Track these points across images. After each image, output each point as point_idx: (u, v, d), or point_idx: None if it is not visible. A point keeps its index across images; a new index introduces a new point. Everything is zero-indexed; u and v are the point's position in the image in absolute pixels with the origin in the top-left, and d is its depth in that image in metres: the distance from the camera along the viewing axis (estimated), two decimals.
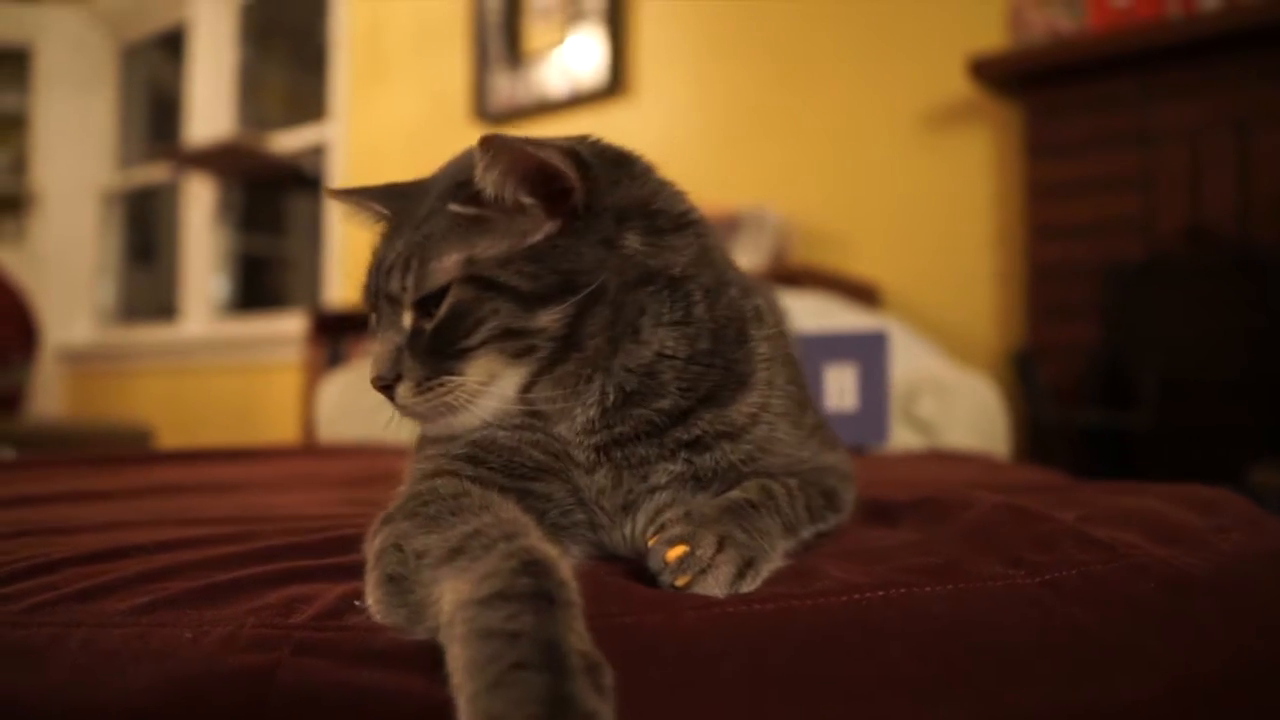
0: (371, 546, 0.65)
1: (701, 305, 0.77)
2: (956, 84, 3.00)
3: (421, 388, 0.73)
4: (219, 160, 5.03)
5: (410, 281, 0.73)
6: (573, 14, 3.99)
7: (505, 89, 4.19)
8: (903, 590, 0.57)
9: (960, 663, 0.53)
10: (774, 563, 0.65)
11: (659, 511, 0.73)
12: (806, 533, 0.75)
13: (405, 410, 0.75)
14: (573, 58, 3.99)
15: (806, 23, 3.40)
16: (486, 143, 0.70)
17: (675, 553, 0.62)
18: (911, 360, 2.29)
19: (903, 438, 2.03)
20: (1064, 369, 2.71)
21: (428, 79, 4.51)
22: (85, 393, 5.83)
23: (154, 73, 6.18)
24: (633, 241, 0.76)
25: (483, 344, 0.72)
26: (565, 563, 0.56)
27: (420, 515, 0.65)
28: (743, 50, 3.57)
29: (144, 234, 6.28)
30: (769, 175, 3.51)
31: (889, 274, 3.13)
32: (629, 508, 0.75)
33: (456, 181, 0.76)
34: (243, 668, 0.53)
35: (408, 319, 0.74)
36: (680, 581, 0.61)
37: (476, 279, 0.71)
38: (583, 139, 0.81)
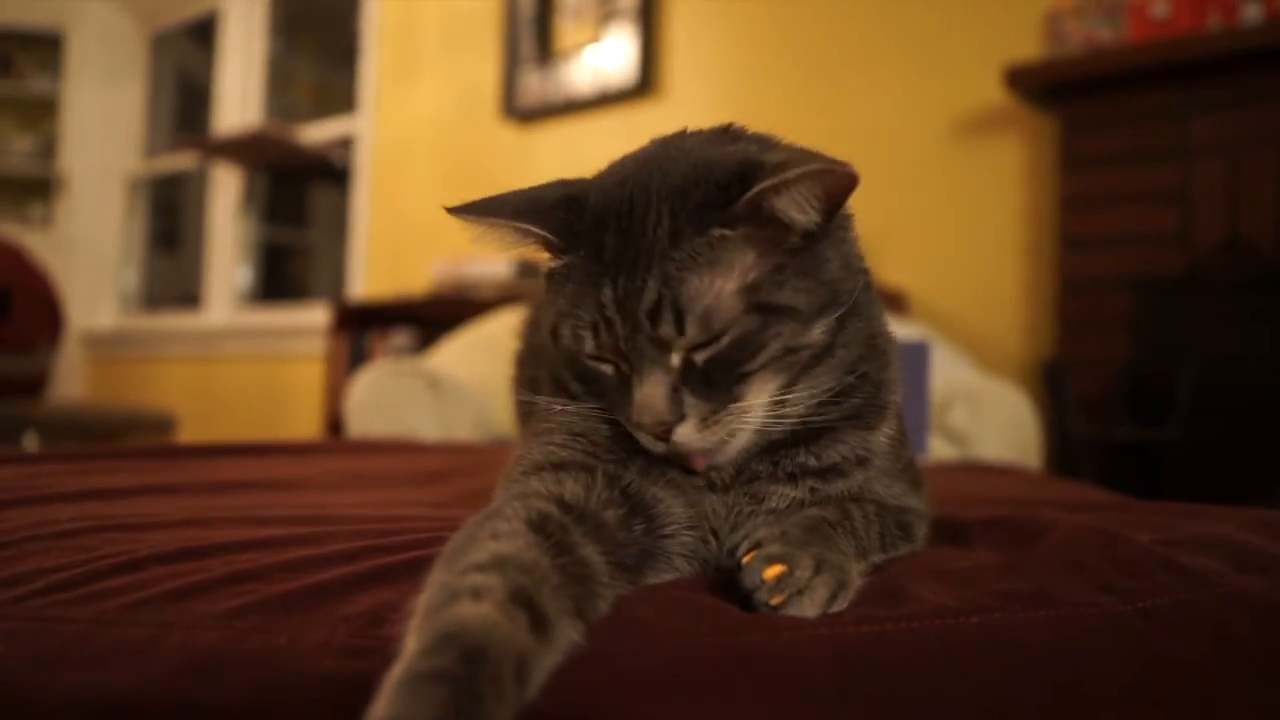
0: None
1: (864, 325, 0.77)
2: (991, 93, 2.99)
3: (707, 423, 0.70)
4: (247, 150, 5.05)
5: (690, 326, 0.68)
6: (605, 13, 3.99)
7: (535, 87, 4.19)
8: (996, 616, 0.57)
9: (1058, 693, 0.53)
10: (857, 584, 0.65)
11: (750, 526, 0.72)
12: (876, 558, 0.74)
13: (683, 446, 0.70)
14: (603, 57, 3.99)
15: (839, 27, 3.39)
16: (789, 159, 0.66)
17: (773, 572, 0.62)
18: (943, 369, 2.28)
19: (935, 448, 2.03)
20: (1093, 382, 2.70)
21: (457, 75, 4.52)
22: (108, 379, 5.87)
23: (183, 61, 6.21)
24: (853, 244, 0.76)
25: (763, 366, 0.70)
26: (502, 626, 0.50)
27: (447, 551, 0.62)
28: (774, 54, 3.56)
29: (168, 221, 6.31)
30: None
31: (917, 281, 3.12)
32: (735, 526, 0.75)
33: (700, 202, 0.69)
34: (339, 675, 0.53)
35: (677, 358, 0.69)
36: (775, 600, 0.61)
37: (760, 306, 0.69)
38: (772, 141, 0.79)
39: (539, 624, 0.52)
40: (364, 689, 0.52)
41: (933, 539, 0.83)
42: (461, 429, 2.31)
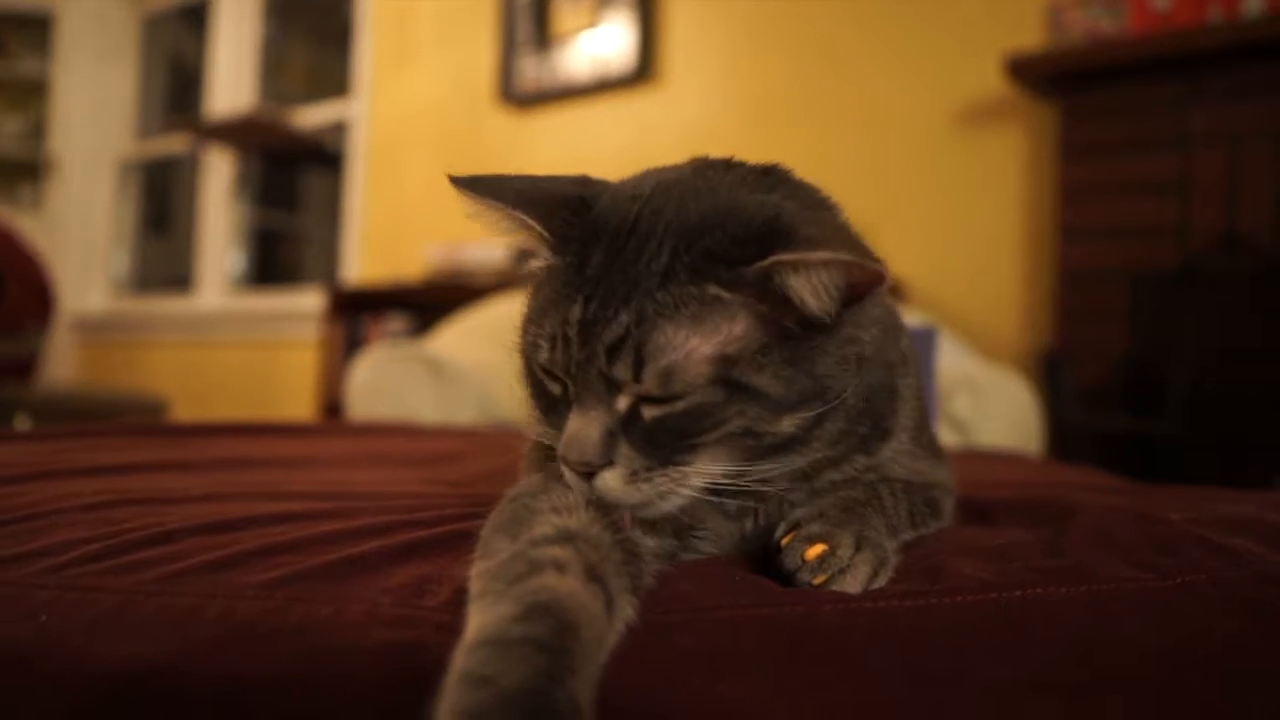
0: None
1: (877, 373, 0.73)
2: (992, 82, 3.00)
3: (638, 478, 0.64)
4: (240, 133, 5.02)
5: (648, 377, 0.62)
6: None
7: (531, 72, 4.18)
8: (1039, 591, 0.57)
9: (1103, 667, 0.53)
10: (894, 561, 0.65)
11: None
12: (907, 535, 0.74)
13: (606, 496, 0.64)
14: (602, 43, 3.98)
15: (840, 14, 3.38)
16: (820, 237, 0.61)
17: (815, 551, 0.62)
18: (944, 358, 2.29)
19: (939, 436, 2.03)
20: (1091, 372, 2.71)
21: (453, 60, 4.49)
22: (97, 362, 5.83)
23: (175, 44, 6.16)
24: (869, 334, 0.70)
25: (715, 443, 0.64)
26: (592, 603, 0.52)
27: (498, 520, 0.64)
28: (774, 40, 3.56)
29: (159, 205, 6.27)
30: (797, 167, 3.48)
31: (916, 270, 3.12)
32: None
33: (707, 250, 0.63)
34: (388, 644, 0.53)
35: (624, 403, 0.64)
36: (818, 580, 0.61)
37: (730, 381, 0.62)
38: (816, 197, 0.74)
39: (609, 602, 0.53)
40: (413, 658, 0.52)
41: (957, 519, 0.83)
42: (463, 413, 2.31)
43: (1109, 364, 2.68)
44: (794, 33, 3.50)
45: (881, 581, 0.62)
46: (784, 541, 0.65)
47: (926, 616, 0.56)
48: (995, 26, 3.03)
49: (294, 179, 5.92)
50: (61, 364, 5.67)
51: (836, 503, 0.69)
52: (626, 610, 0.55)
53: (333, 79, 5.16)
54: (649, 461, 0.64)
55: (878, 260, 0.60)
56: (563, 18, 4.11)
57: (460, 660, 0.47)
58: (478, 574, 0.56)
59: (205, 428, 1.41)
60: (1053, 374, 2.75)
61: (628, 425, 0.64)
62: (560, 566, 0.53)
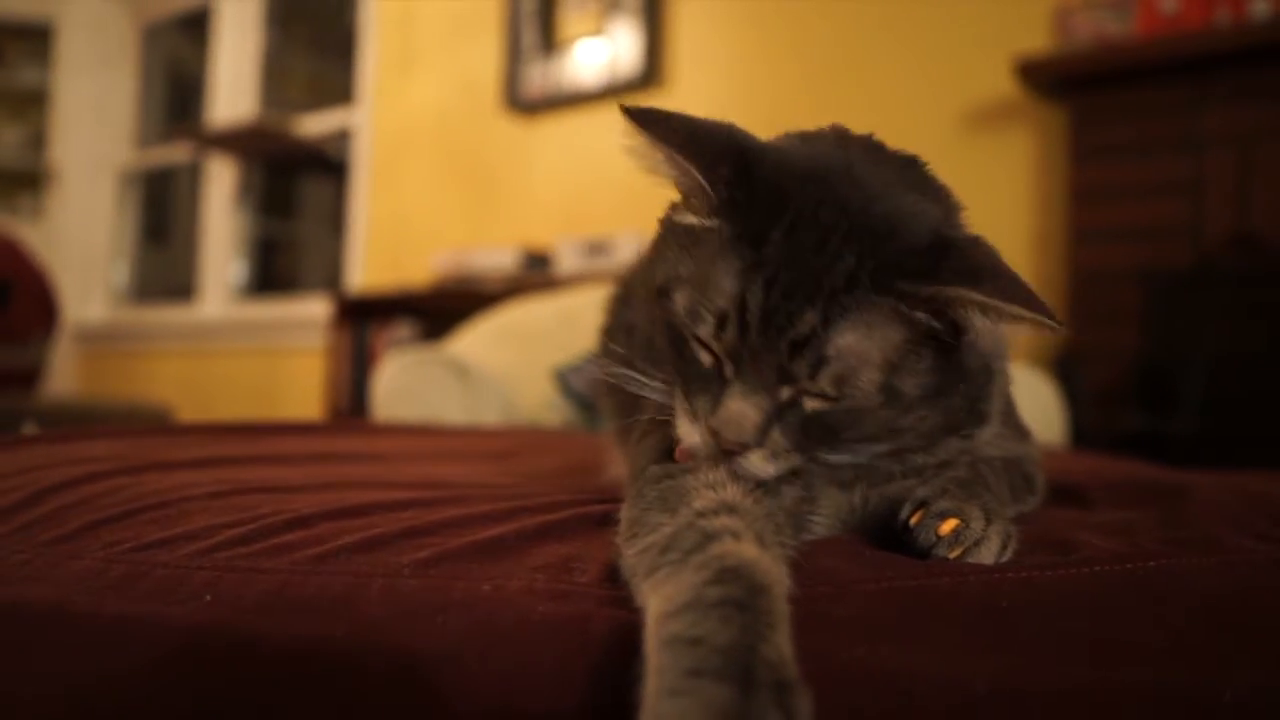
0: (619, 530, 0.64)
1: (977, 358, 0.72)
2: (1001, 84, 3.03)
3: (779, 459, 0.66)
4: (243, 142, 5.02)
5: (824, 378, 0.64)
6: (609, 4, 3.99)
7: (537, 78, 4.19)
8: (1171, 561, 0.59)
9: (1234, 632, 0.55)
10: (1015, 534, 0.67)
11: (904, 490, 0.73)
12: (1010, 511, 0.76)
13: (743, 469, 0.66)
14: (608, 48, 4.00)
15: (848, 17, 3.41)
16: (1010, 295, 0.61)
17: (950, 525, 0.64)
18: None
19: None
20: (1105, 373, 2.74)
21: (458, 66, 4.51)
22: (99, 372, 5.81)
23: (175, 53, 6.16)
24: (991, 345, 0.71)
25: (859, 439, 0.67)
26: (773, 567, 0.54)
27: (646, 499, 0.65)
28: (783, 45, 3.58)
29: (159, 214, 6.26)
30: None
31: None
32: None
33: (892, 262, 0.64)
34: (556, 617, 0.54)
35: (788, 393, 0.65)
36: (954, 553, 0.63)
37: (887, 387, 0.65)
38: (953, 200, 0.75)
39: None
40: (580, 629, 0.54)
41: (1051, 502, 0.85)
42: (487, 415, 2.32)
43: (1123, 365, 2.71)
44: (803, 36, 3.53)
45: (1009, 554, 0.64)
46: (913, 520, 0.66)
47: (1068, 585, 0.58)
48: (1004, 29, 3.06)
49: (295, 187, 5.92)
50: (62, 374, 5.64)
51: (954, 480, 0.71)
52: (785, 579, 0.56)
53: (333, 87, 5.17)
54: (792, 448, 0.66)
55: (1056, 318, 0.61)
56: (568, 23, 4.13)
57: (663, 626, 0.48)
58: (642, 549, 0.57)
59: (271, 426, 1.42)
60: (1067, 375, 2.78)
61: (784, 413, 0.66)
62: (736, 535, 0.55)
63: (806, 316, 0.63)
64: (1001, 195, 3.07)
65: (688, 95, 3.79)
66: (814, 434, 0.66)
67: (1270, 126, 2.57)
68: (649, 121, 0.69)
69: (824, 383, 0.64)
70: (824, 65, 3.47)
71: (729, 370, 0.67)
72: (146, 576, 0.62)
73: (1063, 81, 2.88)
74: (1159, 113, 2.73)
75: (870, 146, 0.76)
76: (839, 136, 0.76)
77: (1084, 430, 2.69)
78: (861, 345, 0.64)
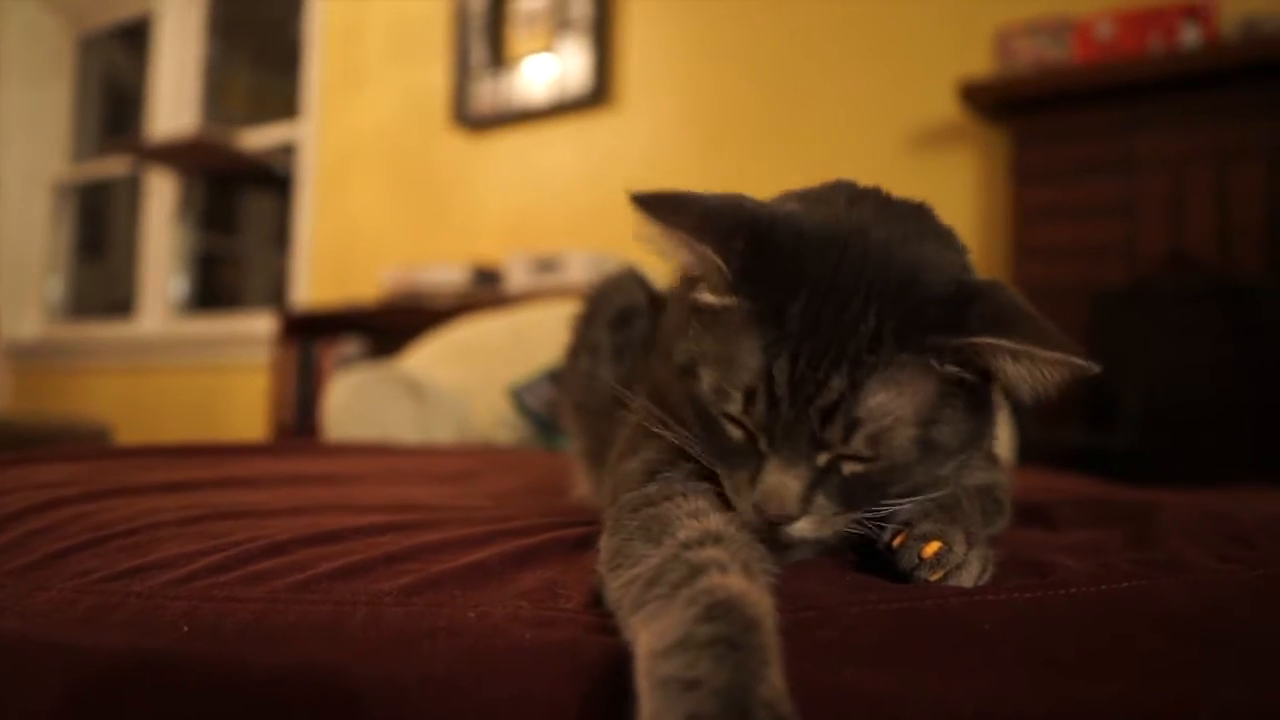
0: (600, 559, 0.64)
1: None
2: (945, 107, 3.09)
3: (828, 523, 0.67)
4: (184, 155, 4.93)
5: (857, 440, 0.64)
6: (558, 21, 4.00)
7: (487, 95, 4.18)
8: (1144, 582, 0.61)
9: (1212, 652, 0.57)
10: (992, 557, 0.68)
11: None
12: (983, 534, 0.78)
13: (790, 538, 0.67)
14: (557, 66, 4.01)
15: (796, 39, 3.46)
16: (1043, 340, 0.62)
17: (932, 548, 0.65)
18: None
19: None
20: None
21: (405, 81, 4.48)
22: (33, 390, 5.65)
23: (112, 64, 6.04)
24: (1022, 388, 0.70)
25: (899, 493, 0.68)
26: (762, 598, 0.53)
27: (628, 528, 0.64)
28: (731, 64, 3.62)
29: (95, 228, 6.12)
30: (754, 190, 3.52)
31: None
32: None
33: (915, 316, 0.64)
34: (544, 644, 0.54)
35: (825, 459, 0.66)
36: (935, 577, 0.64)
37: (922, 441, 0.66)
38: (959, 242, 0.77)
39: None
40: (570, 656, 0.54)
41: (1016, 521, 0.87)
42: (441, 433, 2.30)
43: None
44: (751, 57, 3.57)
45: (988, 576, 0.65)
46: (897, 542, 0.67)
47: (1047, 607, 0.59)
48: (947, 52, 3.13)
49: (238, 201, 5.83)
50: None
51: (934, 503, 0.72)
52: (774, 609, 0.56)
53: (277, 101, 5.11)
54: (836, 511, 0.67)
55: (1087, 358, 0.62)
56: (517, 40, 4.14)
57: (655, 665, 0.48)
58: (627, 581, 0.57)
59: (231, 447, 1.40)
60: (1009, 393, 2.83)
61: (824, 478, 0.66)
62: (723, 567, 0.55)
63: (834, 383, 0.63)
64: (947, 214, 3.06)
65: (637, 114, 3.81)
66: (857, 494, 0.67)
67: (1200, 150, 2.66)
68: (661, 208, 0.68)
69: (858, 445, 0.65)
70: (772, 85, 3.51)
71: (764, 444, 0.67)
72: (119, 607, 0.61)
73: (1004, 104, 2.95)
74: (1096, 136, 2.81)
75: (880, 200, 0.76)
76: (848, 192, 0.76)
77: (1027, 446, 2.75)
78: (893, 404, 0.64)
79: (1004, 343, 0.62)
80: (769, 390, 0.65)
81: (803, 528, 0.66)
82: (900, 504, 0.68)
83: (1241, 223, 2.61)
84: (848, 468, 0.66)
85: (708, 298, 0.70)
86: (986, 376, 0.67)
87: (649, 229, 0.69)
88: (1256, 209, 2.58)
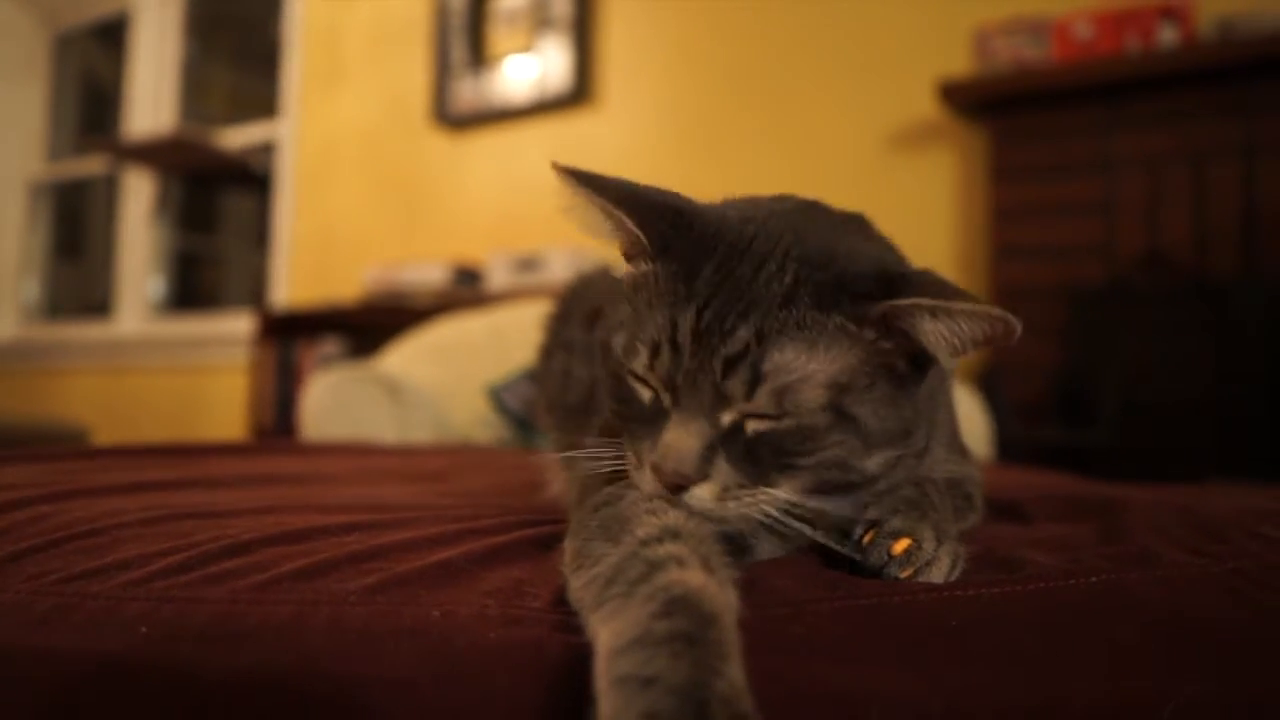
0: (564, 559, 0.63)
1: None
2: (924, 106, 3.10)
3: (728, 494, 0.64)
4: (163, 154, 4.88)
5: (762, 395, 0.63)
6: (539, 20, 3.99)
7: (467, 94, 4.17)
8: (1113, 576, 0.61)
9: (1180, 646, 0.57)
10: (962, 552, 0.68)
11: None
12: (953, 530, 0.77)
13: (692, 508, 0.64)
14: (538, 65, 4.00)
15: (776, 38, 3.46)
16: (955, 294, 0.62)
17: (902, 545, 0.64)
18: None
19: None
20: (1027, 386, 2.81)
21: (385, 80, 4.46)
22: (9, 391, 5.59)
23: (89, 62, 5.98)
24: (937, 388, 0.72)
25: (811, 467, 0.65)
26: (720, 593, 0.53)
27: (589, 528, 0.63)
28: (711, 64, 3.62)
29: (72, 228, 6.06)
30: (734, 188, 3.51)
31: None
32: None
33: (835, 280, 0.65)
34: (509, 643, 0.54)
35: (729, 418, 0.64)
36: (905, 574, 0.63)
37: (838, 409, 0.64)
38: (899, 252, 0.75)
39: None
40: (535, 656, 0.53)
41: (989, 516, 0.87)
42: (419, 433, 2.29)
43: (1044, 378, 2.79)
44: (731, 56, 3.57)
45: (958, 572, 0.65)
46: (866, 540, 0.67)
47: (1017, 602, 0.59)
48: (926, 52, 3.14)
49: (217, 200, 5.79)
50: None
51: (904, 499, 0.71)
52: (735, 602, 0.56)
53: (256, 100, 5.07)
54: (742, 479, 0.64)
55: (1006, 313, 0.62)
56: (498, 39, 4.12)
57: (612, 664, 0.47)
58: (587, 582, 0.56)
59: (198, 448, 1.38)
60: (990, 389, 2.84)
61: (728, 440, 0.65)
62: (681, 562, 0.54)
63: (739, 333, 0.63)
64: (926, 214, 3.14)
65: (617, 113, 3.81)
66: (761, 458, 0.64)
67: (1177, 150, 2.67)
68: (585, 180, 0.71)
69: (762, 400, 0.63)
70: (752, 84, 3.51)
71: (666, 401, 0.66)
72: (77, 609, 0.60)
73: (983, 103, 2.96)
74: (1074, 135, 2.83)
75: (811, 203, 0.77)
76: (780, 195, 0.78)
77: (1007, 443, 2.76)
78: (803, 362, 0.63)
79: (921, 300, 0.62)
80: (672, 339, 0.65)
81: (703, 496, 0.64)
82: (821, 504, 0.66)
83: (1217, 222, 2.62)
84: (752, 426, 0.64)
85: (629, 269, 0.73)
86: (918, 365, 0.67)
87: (572, 199, 0.71)
88: (1232, 208, 2.60)
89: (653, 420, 0.67)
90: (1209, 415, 2.51)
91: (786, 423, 0.64)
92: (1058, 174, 2.85)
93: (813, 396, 0.64)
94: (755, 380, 0.63)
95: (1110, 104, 2.77)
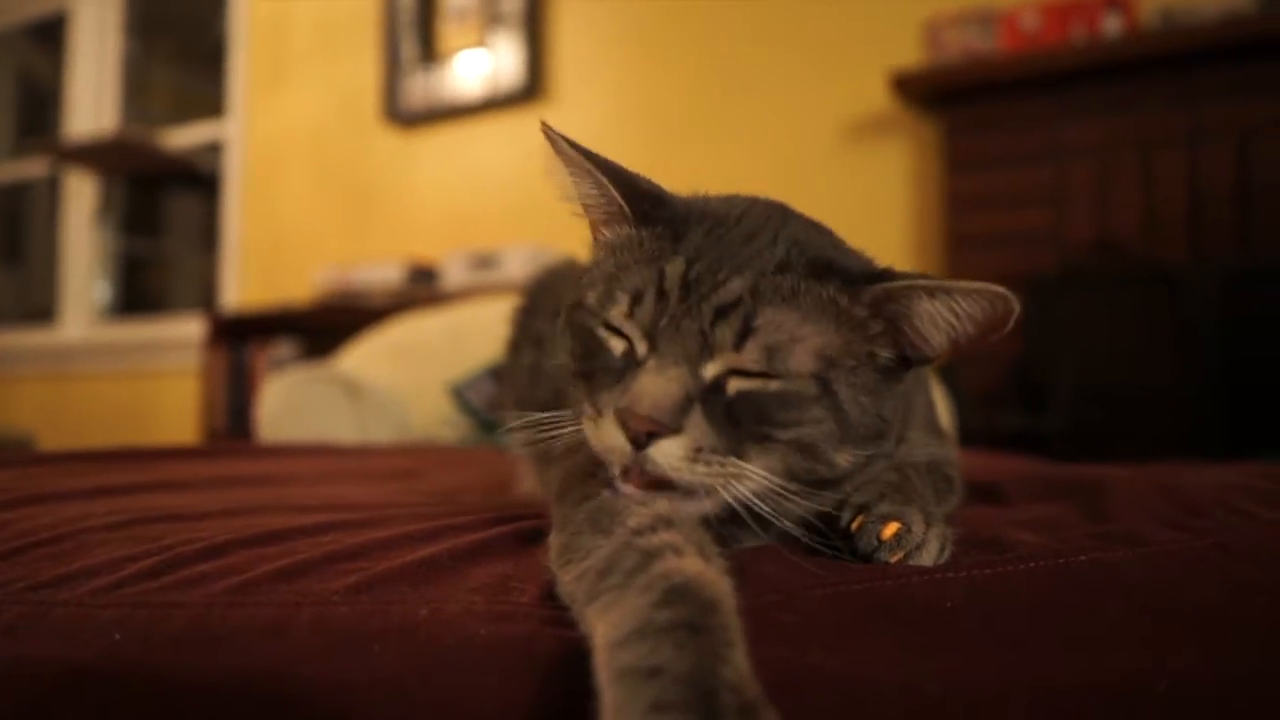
0: (550, 556, 0.62)
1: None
2: (877, 98, 3.12)
3: (699, 457, 0.61)
4: (105, 156, 4.78)
5: (751, 348, 0.61)
6: (490, 15, 3.96)
7: (418, 90, 4.13)
8: (1099, 555, 0.61)
9: (1171, 622, 0.57)
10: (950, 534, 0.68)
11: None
12: (938, 513, 0.77)
13: (652, 470, 0.61)
14: (490, 60, 3.96)
15: (729, 31, 3.47)
16: (946, 279, 0.62)
17: (891, 530, 0.64)
18: None
19: None
20: (985, 374, 2.84)
21: (334, 78, 4.40)
22: None
23: (26, 62, 5.83)
24: (918, 396, 0.72)
25: (787, 442, 0.63)
26: (719, 579, 0.52)
27: (575, 522, 0.62)
28: (664, 58, 3.62)
29: (12, 232, 5.90)
30: (689, 182, 3.50)
31: None
32: None
33: (829, 258, 0.65)
34: (499, 639, 0.52)
35: (713, 370, 0.62)
36: (894, 558, 0.63)
37: (823, 380, 0.63)
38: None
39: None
40: (527, 651, 0.52)
41: (969, 499, 0.87)
42: (380, 433, 2.26)
43: (1001, 366, 2.82)
44: (684, 49, 3.56)
45: (947, 554, 0.64)
46: (855, 525, 0.66)
47: (1008, 582, 0.59)
48: (877, 44, 3.16)
49: (162, 202, 5.67)
50: None
51: (889, 484, 0.71)
52: (732, 590, 0.55)
53: (200, 100, 4.98)
54: (715, 442, 0.61)
55: (1004, 289, 0.62)
56: (448, 35, 4.08)
57: (614, 656, 0.46)
58: (578, 575, 0.55)
59: (158, 451, 1.35)
60: (949, 376, 2.87)
61: (708, 398, 0.62)
62: (677, 550, 0.53)
63: (732, 284, 0.62)
64: (881, 204, 3.16)
65: (570, 108, 3.79)
66: (740, 419, 0.62)
67: (1124, 138, 2.71)
68: (569, 142, 0.70)
69: (752, 353, 0.61)
70: (705, 78, 3.51)
71: (642, 350, 0.64)
72: (45, 617, 0.58)
73: (934, 94, 2.98)
74: (1024, 124, 2.86)
75: (783, 204, 0.77)
76: (753, 197, 0.77)
77: (966, 429, 2.78)
78: (793, 323, 0.62)
79: (920, 281, 0.63)
80: (658, 286, 0.64)
81: (672, 451, 0.60)
82: (785, 492, 0.64)
83: (1165, 208, 2.67)
84: (735, 385, 0.62)
85: (604, 234, 0.72)
86: (902, 361, 0.67)
87: (556, 161, 0.71)
88: (1179, 194, 2.65)
89: (621, 373, 0.65)
90: (1161, 397, 2.55)
91: (773, 385, 0.62)
92: (1010, 163, 2.88)
93: (803, 361, 0.62)
94: (746, 332, 0.62)
95: (1058, 93, 2.81)
